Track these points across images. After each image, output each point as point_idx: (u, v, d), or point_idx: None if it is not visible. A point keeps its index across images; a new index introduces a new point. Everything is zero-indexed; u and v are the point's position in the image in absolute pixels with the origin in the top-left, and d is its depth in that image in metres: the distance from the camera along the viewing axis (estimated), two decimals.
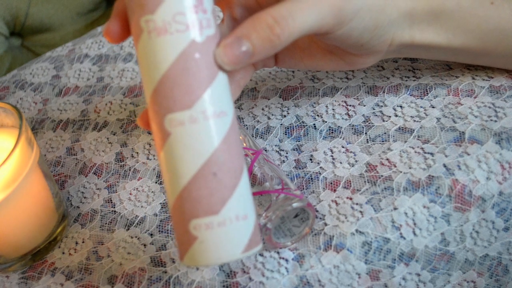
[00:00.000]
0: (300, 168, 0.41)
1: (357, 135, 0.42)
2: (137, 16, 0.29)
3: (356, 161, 0.40)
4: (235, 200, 0.29)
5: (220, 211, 0.29)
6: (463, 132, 0.39)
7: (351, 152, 0.41)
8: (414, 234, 0.36)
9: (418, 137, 0.40)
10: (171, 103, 0.29)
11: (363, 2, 0.33)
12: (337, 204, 0.38)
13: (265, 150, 0.43)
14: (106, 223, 0.42)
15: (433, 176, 0.37)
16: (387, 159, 0.39)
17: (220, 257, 0.29)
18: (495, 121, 0.39)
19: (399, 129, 0.41)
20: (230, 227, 0.29)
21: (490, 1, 0.37)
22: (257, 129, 0.45)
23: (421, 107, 0.42)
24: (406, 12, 0.36)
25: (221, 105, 0.30)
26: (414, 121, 0.41)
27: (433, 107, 0.41)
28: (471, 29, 0.38)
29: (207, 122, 0.29)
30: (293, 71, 0.49)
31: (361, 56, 0.38)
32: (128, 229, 0.41)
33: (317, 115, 0.44)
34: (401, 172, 0.38)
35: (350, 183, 0.39)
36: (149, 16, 0.29)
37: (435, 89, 0.43)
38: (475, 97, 0.41)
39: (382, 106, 0.43)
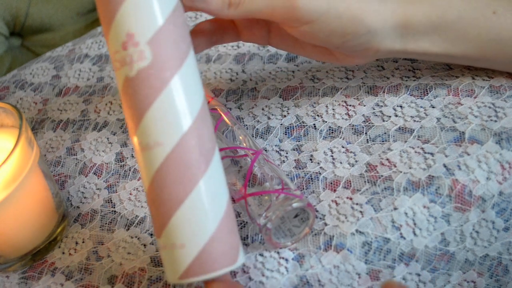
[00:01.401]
0: (300, 168, 0.41)
1: (357, 135, 0.42)
2: None
3: (356, 161, 0.40)
4: (171, 229, 0.30)
5: (161, 237, 0.31)
6: (463, 132, 0.39)
7: (351, 152, 0.41)
8: (414, 234, 0.36)
9: (418, 137, 0.40)
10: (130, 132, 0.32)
11: (330, 6, 0.34)
12: (337, 204, 0.38)
13: (265, 150, 0.43)
14: (106, 223, 0.42)
15: (433, 176, 0.37)
16: (387, 159, 0.39)
17: (168, 276, 0.31)
18: (495, 121, 0.39)
19: (399, 129, 0.41)
20: (169, 253, 0.30)
21: (492, 11, 0.36)
22: (257, 129, 0.45)
23: (421, 107, 0.42)
24: (397, 24, 0.36)
25: (154, 136, 0.30)
26: (414, 121, 0.41)
27: (433, 107, 0.41)
28: (471, 39, 0.37)
29: (143, 153, 0.31)
30: (293, 71, 0.49)
31: (348, 56, 0.38)
32: (128, 229, 0.41)
33: (317, 115, 0.44)
34: (401, 172, 0.38)
35: (350, 183, 0.39)
36: (111, 53, 0.32)
37: (435, 89, 0.43)
38: (475, 97, 0.41)
39: (382, 106, 0.43)
